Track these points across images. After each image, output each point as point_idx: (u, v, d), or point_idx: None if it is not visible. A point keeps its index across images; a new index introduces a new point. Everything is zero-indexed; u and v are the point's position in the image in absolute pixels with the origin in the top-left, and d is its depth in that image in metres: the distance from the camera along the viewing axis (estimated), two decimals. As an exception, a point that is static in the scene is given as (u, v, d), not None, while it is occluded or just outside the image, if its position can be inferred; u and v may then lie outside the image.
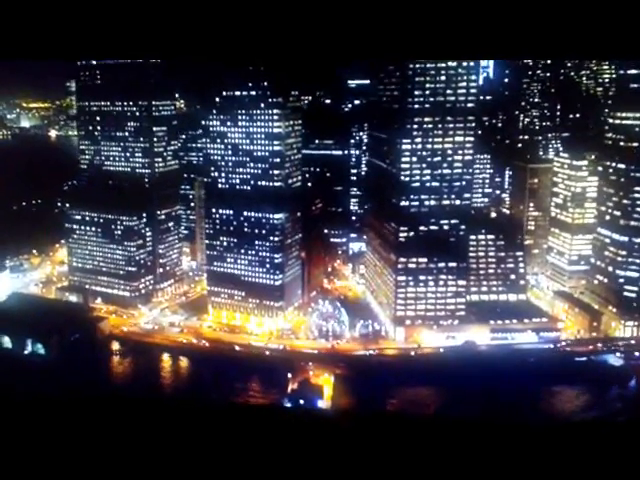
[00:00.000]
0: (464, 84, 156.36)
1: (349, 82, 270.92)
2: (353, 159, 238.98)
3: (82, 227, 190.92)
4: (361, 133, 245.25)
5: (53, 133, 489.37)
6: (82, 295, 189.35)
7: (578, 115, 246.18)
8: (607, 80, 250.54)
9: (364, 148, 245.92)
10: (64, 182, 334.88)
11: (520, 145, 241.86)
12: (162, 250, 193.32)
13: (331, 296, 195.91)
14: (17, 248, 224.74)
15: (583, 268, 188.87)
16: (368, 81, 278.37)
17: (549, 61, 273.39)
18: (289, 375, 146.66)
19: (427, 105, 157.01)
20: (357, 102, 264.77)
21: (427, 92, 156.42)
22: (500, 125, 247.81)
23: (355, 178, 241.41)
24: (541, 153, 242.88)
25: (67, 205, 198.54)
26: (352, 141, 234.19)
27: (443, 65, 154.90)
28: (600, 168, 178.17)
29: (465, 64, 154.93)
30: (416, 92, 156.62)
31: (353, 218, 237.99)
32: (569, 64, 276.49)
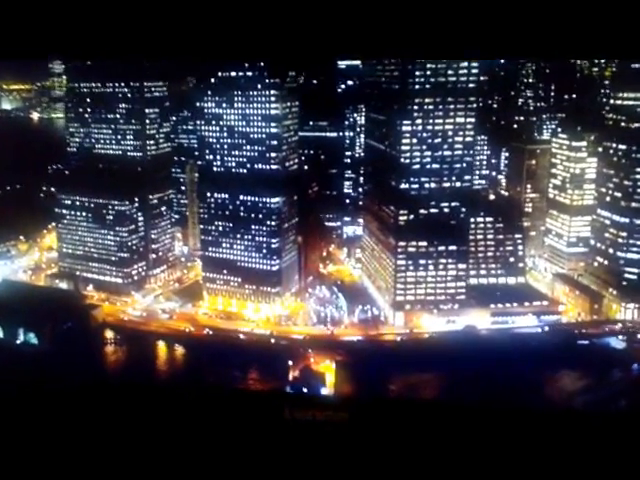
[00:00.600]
0: (465, 64, 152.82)
1: (339, 63, 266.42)
2: (347, 141, 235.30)
3: (72, 212, 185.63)
4: (355, 115, 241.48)
5: (35, 115, 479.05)
6: (73, 282, 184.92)
7: (574, 96, 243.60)
8: (603, 61, 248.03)
9: (358, 130, 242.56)
10: (48, 165, 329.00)
11: (516, 126, 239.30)
12: (154, 235, 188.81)
13: (327, 281, 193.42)
14: (3, 234, 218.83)
15: (582, 250, 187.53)
16: (359, 62, 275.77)
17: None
18: (290, 362, 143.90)
19: (428, 86, 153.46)
20: (350, 83, 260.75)
21: (428, 72, 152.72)
22: (495, 106, 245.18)
23: (349, 160, 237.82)
24: (536, 134, 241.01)
25: (56, 189, 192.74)
26: (346, 123, 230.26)
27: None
28: (600, 149, 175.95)
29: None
30: (417, 72, 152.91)
31: (347, 201, 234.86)
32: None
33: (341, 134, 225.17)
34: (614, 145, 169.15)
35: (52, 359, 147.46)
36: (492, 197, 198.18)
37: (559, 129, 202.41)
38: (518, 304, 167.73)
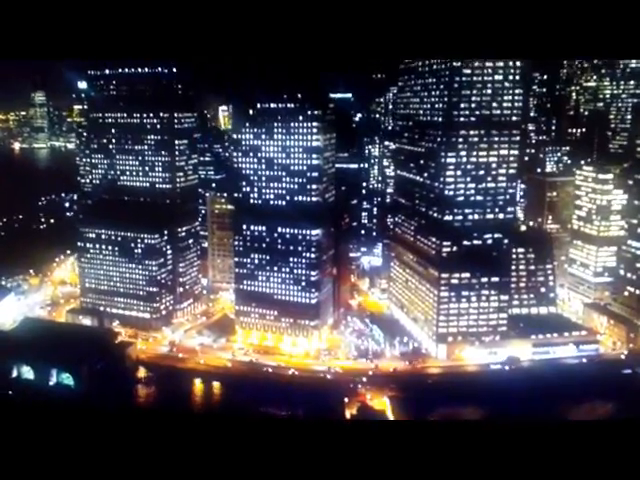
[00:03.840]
0: (509, 97, 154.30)
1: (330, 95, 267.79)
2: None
3: (96, 245, 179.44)
4: (370, 147, 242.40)
5: (17, 145, 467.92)
6: (97, 318, 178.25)
7: (583, 130, 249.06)
8: (608, 96, 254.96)
9: (372, 161, 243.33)
10: (41, 196, 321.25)
11: (527, 159, 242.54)
12: (182, 269, 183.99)
13: (356, 313, 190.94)
14: (10, 268, 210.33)
15: (607, 280, 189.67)
16: (350, 95, 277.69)
17: (545, 76, 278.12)
18: (345, 399, 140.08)
19: (473, 118, 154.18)
20: (360, 115, 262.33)
21: (473, 105, 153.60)
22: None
23: (364, 192, 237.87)
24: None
25: (79, 222, 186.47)
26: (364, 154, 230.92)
27: (489, 78, 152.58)
28: (631, 182, 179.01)
29: (512, 77, 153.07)
30: (462, 105, 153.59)
31: (362, 232, 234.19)
32: (564, 79, 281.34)
33: (362, 165, 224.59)
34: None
35: (91, 401, 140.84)
36: (523, 228, 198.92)
37: (583, 162, 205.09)
38: (558, 334, 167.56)
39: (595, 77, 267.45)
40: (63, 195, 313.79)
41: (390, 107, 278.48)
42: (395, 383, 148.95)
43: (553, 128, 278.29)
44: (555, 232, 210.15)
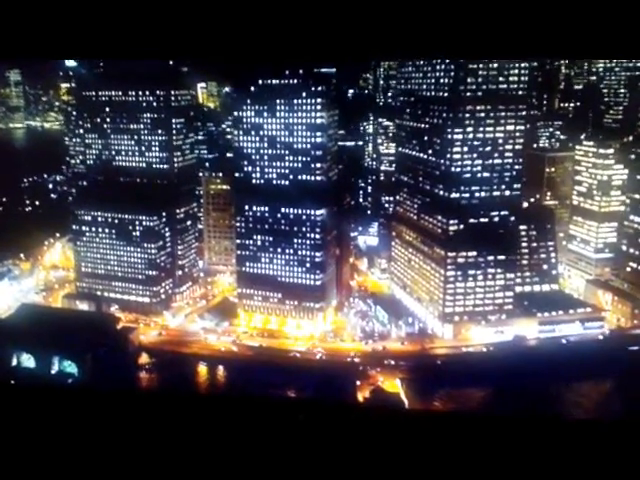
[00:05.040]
0: (516, 71, 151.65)
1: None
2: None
3: (92, 229, 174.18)
4: (364, 123, 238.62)
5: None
6: (95, 303, 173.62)
7: (577, 104, 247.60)
8: (601, 70, 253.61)
9: (367, 139, 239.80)
10: (23, 178, 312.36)
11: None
12: (181, 251, 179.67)
13: (358, 294, 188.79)
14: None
15: (608, 256, 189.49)
16: (334, 69, 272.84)
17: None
18: (357, 382, 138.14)
19: (479, 93, 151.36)
20: (352, 92, 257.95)
21: (480, 80, 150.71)
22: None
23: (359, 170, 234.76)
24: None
25: (73, 205, 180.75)
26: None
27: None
28: (633, 156, 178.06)
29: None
30: (468, 79, 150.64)
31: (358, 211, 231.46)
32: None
33: (359, 143, 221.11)
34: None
35: (98, 388, 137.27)
36: (525, 204, 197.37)
37: (582, 136, 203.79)
38: (563, 312, 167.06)
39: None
40: (45, 176, 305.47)
41: (381, 83, 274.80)
42: (406, 364, 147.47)
43: (545, 103, 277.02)
44: (554, 208, 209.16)
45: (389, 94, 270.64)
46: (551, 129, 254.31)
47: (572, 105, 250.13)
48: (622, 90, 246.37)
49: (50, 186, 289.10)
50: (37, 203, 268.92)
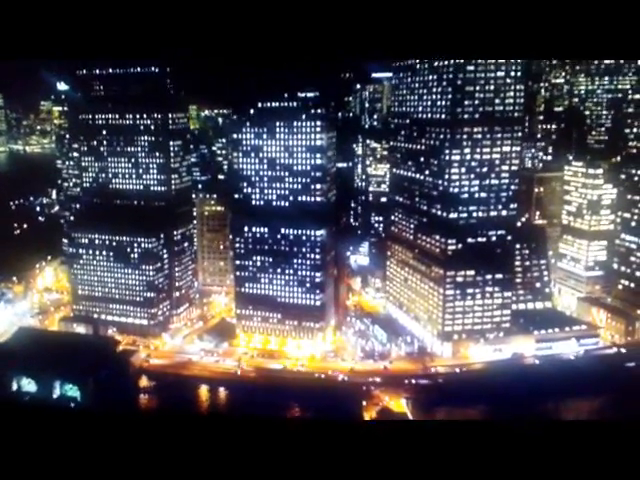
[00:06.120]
0: (512, 93, 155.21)
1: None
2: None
3: (89, 251, 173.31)
4: (353, 145, 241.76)
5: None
6: (92, 326, 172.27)
7: (560, 125, 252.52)
8: (583, 91, 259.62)
9: (356, 160, 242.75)
10: (9, 201, 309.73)
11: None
12: (178, 272, 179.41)
13: (353, 313, 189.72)
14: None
15: (599, 273, 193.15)
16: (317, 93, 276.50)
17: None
18: (363, 403, 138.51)
19: (476, 115, 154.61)
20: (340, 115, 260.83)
21: (477, 102, 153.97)
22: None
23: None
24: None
25: (69, 227, 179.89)
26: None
27: (492, 75, 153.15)
28: (623, 176, 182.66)
29: (513, 74, 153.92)
30: (466, 102, 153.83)
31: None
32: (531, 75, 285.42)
33: (350, 164, 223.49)
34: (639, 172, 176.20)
35: (100, 412, 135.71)
36: (518, 224, 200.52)
37: (571, 157, 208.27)
38: (559, 329, 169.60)
39: (564, 74, 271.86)
40: (32, 199, 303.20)
41: (367, 106, 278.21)
42: (409, 384, 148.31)
43: (526, 125, 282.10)
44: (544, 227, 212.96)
45: (374, 117, 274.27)
46: (533, 150, 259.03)
47: (554, 127, 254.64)
48: (604, 112, 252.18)
49: (37, 209, 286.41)
50: (25, 226, 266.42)
